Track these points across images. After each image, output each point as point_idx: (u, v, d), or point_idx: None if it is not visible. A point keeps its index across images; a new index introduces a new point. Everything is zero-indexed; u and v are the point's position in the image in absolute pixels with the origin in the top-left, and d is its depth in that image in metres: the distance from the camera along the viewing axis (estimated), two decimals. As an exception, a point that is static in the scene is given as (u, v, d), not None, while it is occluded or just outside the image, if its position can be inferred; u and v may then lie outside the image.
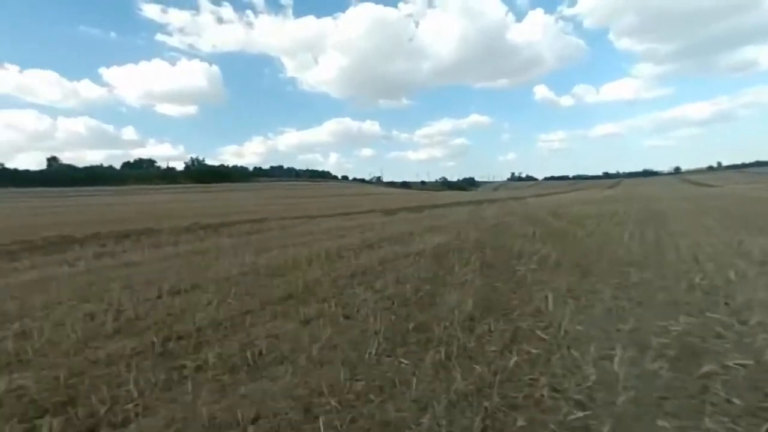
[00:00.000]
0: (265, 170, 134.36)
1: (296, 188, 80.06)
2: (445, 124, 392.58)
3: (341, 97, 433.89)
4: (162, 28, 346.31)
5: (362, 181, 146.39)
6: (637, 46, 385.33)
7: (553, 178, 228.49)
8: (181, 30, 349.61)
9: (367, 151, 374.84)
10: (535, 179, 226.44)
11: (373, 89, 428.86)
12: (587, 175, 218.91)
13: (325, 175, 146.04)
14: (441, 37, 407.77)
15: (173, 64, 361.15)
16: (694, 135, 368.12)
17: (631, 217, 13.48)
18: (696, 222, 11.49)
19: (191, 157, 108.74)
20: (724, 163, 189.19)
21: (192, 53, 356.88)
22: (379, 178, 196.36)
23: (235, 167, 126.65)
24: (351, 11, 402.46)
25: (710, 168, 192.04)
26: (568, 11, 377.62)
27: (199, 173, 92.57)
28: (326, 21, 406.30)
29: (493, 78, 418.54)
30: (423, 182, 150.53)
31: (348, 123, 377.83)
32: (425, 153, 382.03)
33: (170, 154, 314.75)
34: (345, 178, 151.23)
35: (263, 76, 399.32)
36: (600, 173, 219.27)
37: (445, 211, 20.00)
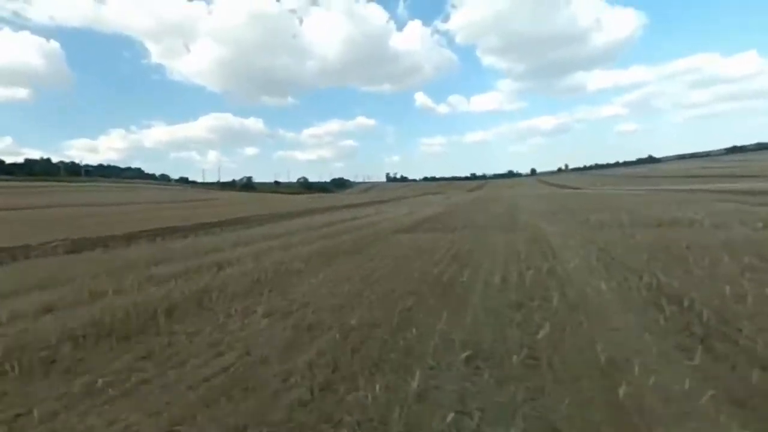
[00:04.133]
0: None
1: None
2: (332, 125, 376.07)
3: (220, 91, 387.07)
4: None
5: (186, 181, 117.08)
6: (500, 64, 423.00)
7: (427, 179, 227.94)
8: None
9: (251, 150, 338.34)
10: (409, 180, 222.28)
11: (255, 85, 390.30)
12: (459, 177, 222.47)
13: (119, 173, 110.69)
14: (326, 37, 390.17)
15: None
16: (544, 143, 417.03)
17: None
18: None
19: None
20: (570, 166, 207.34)
21: (19, 23, 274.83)
22: (249, 179, 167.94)
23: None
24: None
25: (559, 170, 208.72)
26: (442, 26, 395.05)
27: None
28: (198, 5, 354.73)
29: (377, 82, 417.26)
30: (277, 183, 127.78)
31: (229, 119, 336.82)
32: (314, 153, 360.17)
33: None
34: (160, 177, 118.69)
35: (122, 60, 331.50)
36: (468, 174, 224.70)
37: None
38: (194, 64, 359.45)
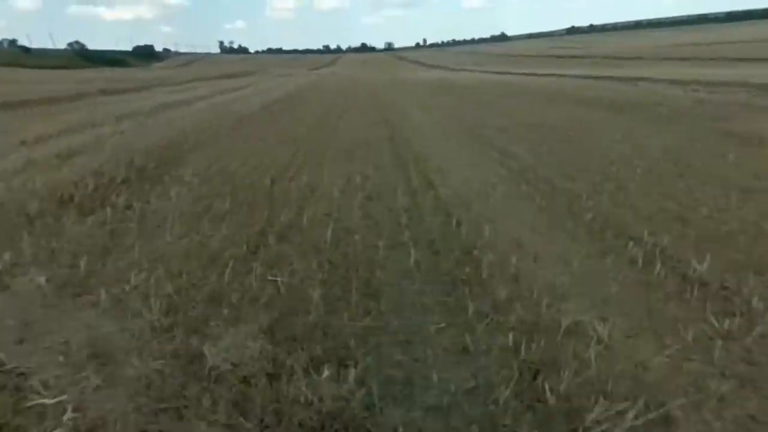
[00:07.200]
0: None
1: None
2: None
3: None
4: None
5: None
6: None
7: (272, 50, 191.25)
8: None
9: (26, 2, 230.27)
10: (249, 52, 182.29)
11: None
12: (312, 49, 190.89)
13: None
14: None
15: None
16: (399, 15, 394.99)
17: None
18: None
19: None
20: (428, 41, 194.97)
21: None
22: (12, 42, 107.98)
23: None
24: None
25: (417, 45, 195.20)
26: None
27: None
28: None
29: None
30: (26, 49, 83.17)
31: None
32: (129, 12, 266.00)
33: None
34: None
35: None
36: (321, 47, 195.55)
37: None
38: None
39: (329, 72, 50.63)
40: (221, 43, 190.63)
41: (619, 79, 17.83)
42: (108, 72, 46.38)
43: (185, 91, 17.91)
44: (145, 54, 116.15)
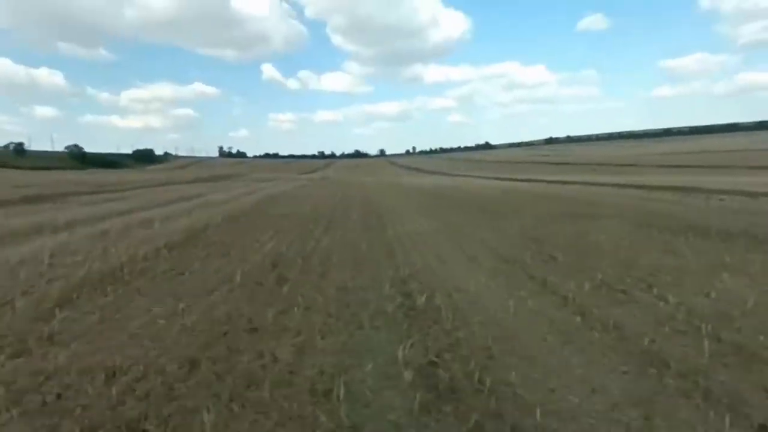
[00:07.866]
0: None
1: None
2: (163, 89, 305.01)
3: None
4: None
5: None
6: (348, 45, 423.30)
7: (268, 155, 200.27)
8: None
9: (46, 111, 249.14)
10: (247, 157, 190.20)
11: (48, 25, 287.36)
12: (306, 155, 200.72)
13: None
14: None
15: None
16: (388, 127, 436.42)
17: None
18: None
19: None
20: (418, 149, 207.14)
21: None
22: (19, 145, 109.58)
23: None
24: None
25: (407, 152, 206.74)
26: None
27: None
28: None
29: (218, 46, 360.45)
30: (19, 151, 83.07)
31: (9, 67, 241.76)
32: (139, 121, 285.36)
33: None
34: None
35: None
36: (316, 153, 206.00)
37: None
38: None
39: (320, 176, 49.53)
40: (220, 148, 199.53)
41: (668, 188, 15.18)
42: (84, 175, 44.49)
43: (120, 200, 14.23)
44: (143, 157, 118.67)
